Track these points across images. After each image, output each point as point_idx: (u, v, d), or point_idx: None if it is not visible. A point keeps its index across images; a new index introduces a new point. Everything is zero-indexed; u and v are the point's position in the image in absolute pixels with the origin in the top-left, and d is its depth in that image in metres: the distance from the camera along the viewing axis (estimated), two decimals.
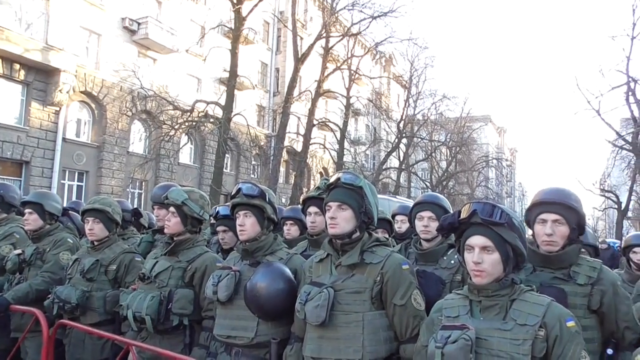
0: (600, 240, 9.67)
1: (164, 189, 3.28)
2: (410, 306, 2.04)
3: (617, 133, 21.65)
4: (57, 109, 16.85)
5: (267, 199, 2.53)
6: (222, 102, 16.90)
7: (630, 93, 19.45)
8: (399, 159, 31.31)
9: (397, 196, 21.14)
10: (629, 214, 30.89)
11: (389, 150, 30.02)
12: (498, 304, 1.66)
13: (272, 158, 21.34)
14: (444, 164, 35.58)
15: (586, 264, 2.06)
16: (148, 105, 18.82)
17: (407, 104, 30.86)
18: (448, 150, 34.52)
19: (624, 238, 4.42)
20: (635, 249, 3.43)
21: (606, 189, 32.64)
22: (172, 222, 2.77)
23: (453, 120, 34.11)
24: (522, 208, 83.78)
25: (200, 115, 16.85)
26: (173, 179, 21.00)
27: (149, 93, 17.10)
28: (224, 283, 2.39)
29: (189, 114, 16.75)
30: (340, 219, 2.09)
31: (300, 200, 3.15)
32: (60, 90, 16.36)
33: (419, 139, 31.88)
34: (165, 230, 2.82)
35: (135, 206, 7.86)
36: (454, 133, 33.95)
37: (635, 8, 19.62)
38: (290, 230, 3.48)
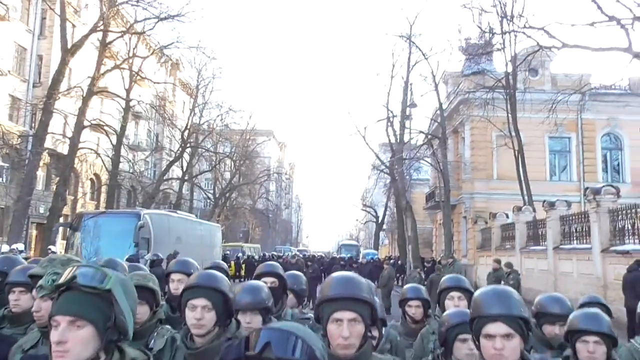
0: (362, 254, 10.51)
1: None
2: None
3: (379, 158, 24.88)
4: None
5: None
6: None
7: (389, 124, 22.56)
8: (182, 169, 30.16)
9: (178, 211, 20.04)
10: (384, 226, 36.45)
11: (172, 159, 28.82)
12: None
13: (27, 161, 17.98)
14: (227, 176, 35.71)
15: None
16: None
17: (192, 113, 30.13)
18: (232, 163, 34.79)
19: (400, 290, 4.64)
20: (410, 303, 3.49)
21: (367, 204, 37.64)
22: None
23: (238, 133, 34.58)
24: (298, 219, 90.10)
25: None
26: None
27: None
28: None
29: None
30: (72, 343, 1.34)
31: None
32: None
33: (204, 150, 31.30)
34: None
35: None
36: (238, 146, 34.44)
37: (394, 52, 23.45)
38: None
